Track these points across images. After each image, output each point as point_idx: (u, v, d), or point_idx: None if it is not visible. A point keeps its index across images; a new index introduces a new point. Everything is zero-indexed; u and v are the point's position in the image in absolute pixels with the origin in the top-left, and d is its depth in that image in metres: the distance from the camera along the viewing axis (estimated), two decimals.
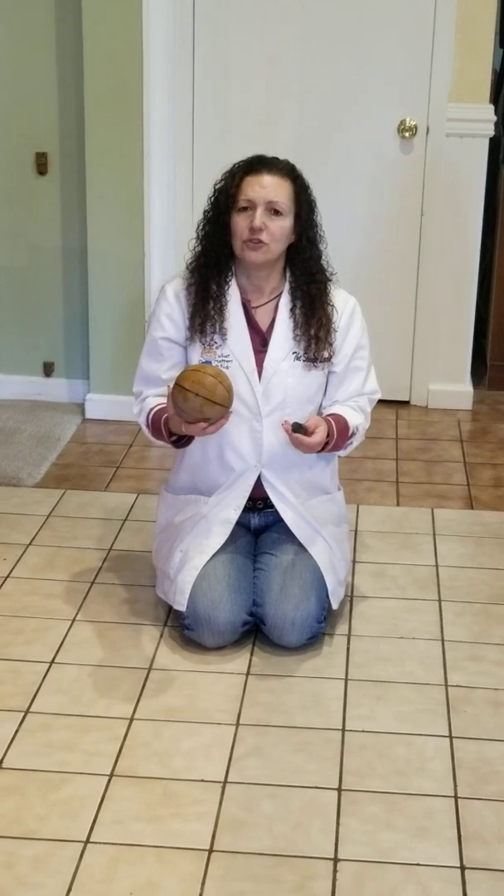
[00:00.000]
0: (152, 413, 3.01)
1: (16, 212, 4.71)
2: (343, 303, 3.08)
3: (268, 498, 3.09)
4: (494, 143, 4.73)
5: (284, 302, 3.04)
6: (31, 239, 4.73)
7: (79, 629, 3.09)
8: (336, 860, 2.29)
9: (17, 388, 4.86)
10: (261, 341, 3.05)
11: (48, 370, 4.87)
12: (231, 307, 3.02)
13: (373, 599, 3.28)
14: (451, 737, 2.67)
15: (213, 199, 3.00)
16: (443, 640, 3.08)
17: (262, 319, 3.06)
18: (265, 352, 3.03)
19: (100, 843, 2.32)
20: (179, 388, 2.74)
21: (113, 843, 2.32)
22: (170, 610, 3.14)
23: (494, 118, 4.62)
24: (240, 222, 2.93)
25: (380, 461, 4.29)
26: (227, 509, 3.06)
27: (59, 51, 4.50)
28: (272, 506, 3.09)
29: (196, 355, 3.03)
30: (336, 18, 4.57)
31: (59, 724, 2.69)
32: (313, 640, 3.01)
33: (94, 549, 3.55)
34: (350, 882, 2.23)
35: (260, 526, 3.17)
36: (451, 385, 4.89)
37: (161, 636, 3.06)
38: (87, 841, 2.32)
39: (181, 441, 2.98)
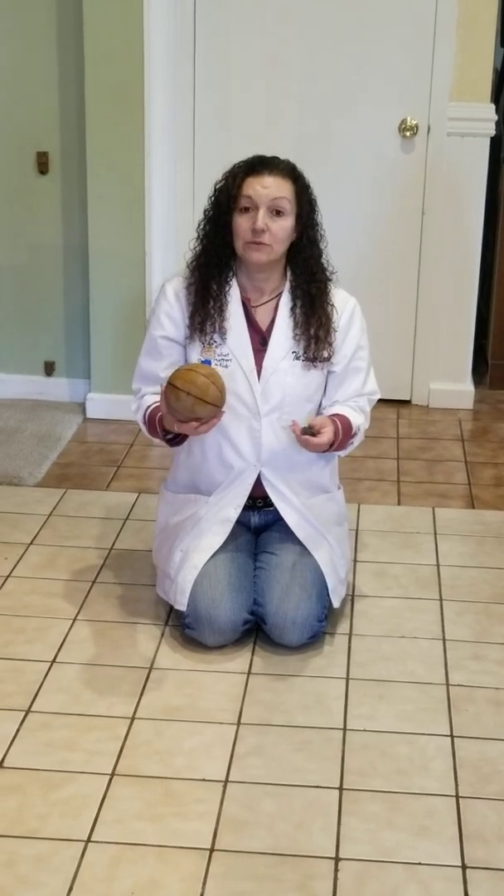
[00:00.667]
0: (148, 410, 3.02)
1: (16, 211, 4.71)
2: (343, 303, 3.08)
3: (268, 496, 3.09)
4: (495, 143, 4.73)
5: (285, 301, 3.04)
6: (31, 238, 4.73)
7: (80, 628, 3.09)
8: (337, 859, 2.28)
9: (18, 387, 4.86)
10: (260, 340, 3.05)
11: (49, 369, 4.87)
12: (231, 306, 3.02)
13: (374, 598, 3.28)
14: (452, 736, 2.67)
15: (213, 199, 3.00)
16: (444, 640, 3.08)
17: (262, 318, 3.06)
18: (265, 351, 3.03)
19: (101, 842, 2.32)
20: (172, 388, 2.74)
21: (114, 843, 2.32)
22: (171, 609, 3.14)
23: (495, 117, 4.62)
24: (242, 223, 2.93)
25: (381, 460, 4.29)
26: (227, 508, 3.06)
27: (59, 50, 4.50)
28: (272, 504, 3.09)
29: (195, 354, 3.03)
30: (337, 18, 4.56)
31: (61, 723, 2.69)
32: (314, 639, 3.01)
33: (95, 549, 3.55)
34: (351, 881, 2.23)
35: (260, 525, 3.17)
36: (452, 384, 4.89)
37: (162, 635, 3.06)
38: (89, 840, 2.32)
39: (176, 439, 2.98)
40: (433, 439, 4.56)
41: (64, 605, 3.21)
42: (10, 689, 2.81)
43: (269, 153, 3.02)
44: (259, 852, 2.30)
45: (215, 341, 3.01)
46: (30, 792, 2.46)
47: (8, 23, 4.51)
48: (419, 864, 2.28)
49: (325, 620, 3.04)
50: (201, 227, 3.03)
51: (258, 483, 3.08)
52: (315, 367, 3.04)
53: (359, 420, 3.07)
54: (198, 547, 3.03)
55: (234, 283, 3.03)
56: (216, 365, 3.00)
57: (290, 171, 2.96)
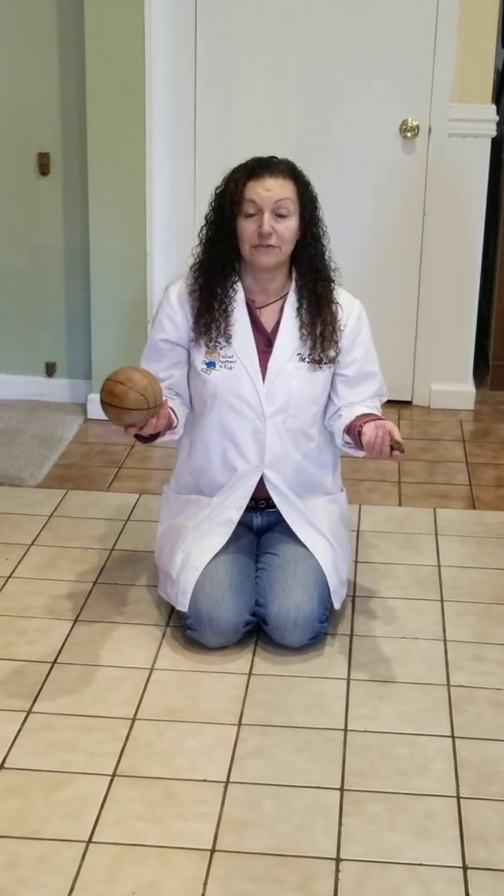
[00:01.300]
0: None
1: (18, 212, 4.71)
2: (349, 303, 3.08)
3: (270, 498, 3.09)
4: (496, 144, 4.73)
5: (291, 302, 3.04)
6: (33, 239, 4.73)
7: (81, 629, 3.10)
8: (338, 860, 2.29)
9: (20, 388, 4.87)
10: (265, 342, 3.05)
11: (50, 370, 4.87)
12: (236, 308, 3.02)
13: (375, 599, 3.28)
14: (453, 737, 2.67)
15: (214, 204, 2.99)
16: (445, 640, 3.08)
17: (268, 320, 3.06)
18: (270, 352, 3.04)
19: (102, 843, 2.32)
20: (100, 400, 2.75)
21: (115, 843, 2.32)
22: (172, 610, 3.14)
23: (497, 118, 4.62)
24: (247, 227, 2.92)
25: (382, 461, 4.28)
26: (230, 510, 3.06)
27: (61, 51, 4.51)
28: (274, 505, 3.09)
29: (200, 356, 3.03)
30: (338, 19, 4.57)
31: (62, 724, 2.69)
32: (315, 640, 3.01)
33: (96, 550, 3.55)
34: (352, 882, 2.23)
35: (262, 525, 3.17)
36: (453, 385, 4.89)
37: (163, 636, 3.07)
38: (90, 841, 2.32)
39: (149, 437, 2.95)
40: (434, 440, 4.56)
41: (65, 606, 3.21)
42: (11, 690, 2.81)
43: (270, 154, 3.01)
44: (260, 853, 2.30)
45: (220, 344, 3.01)
46: (31, 793, 2.46)
47: (9, 24, 4.51)
48: (420, 864, 2.28)
49: (326, 621, 3.04)
50: (203, 232, 3.02)
51: (261, 484, 3.08)
52: (321, 368, 3.04)
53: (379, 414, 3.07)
54: (199, 548, 3.03)
55: (238, 285, 3.03)
56: (220, 367, 3.00)
57: (290, 171, 2.96)
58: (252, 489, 3.07)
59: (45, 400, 4.85)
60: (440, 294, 4.78)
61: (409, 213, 4.72)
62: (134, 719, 2.71)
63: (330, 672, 2.92)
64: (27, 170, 4.66)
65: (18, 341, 4.86)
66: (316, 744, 2.64)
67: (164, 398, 2.81)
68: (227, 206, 2.93)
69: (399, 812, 2.42)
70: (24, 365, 4.88)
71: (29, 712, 2.73)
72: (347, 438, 3.01)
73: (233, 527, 3.06)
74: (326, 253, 3.03)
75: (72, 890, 2.20)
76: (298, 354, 3.03)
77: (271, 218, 2.90)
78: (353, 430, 2.95)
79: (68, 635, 3.07)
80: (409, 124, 4.61)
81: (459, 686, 2.87)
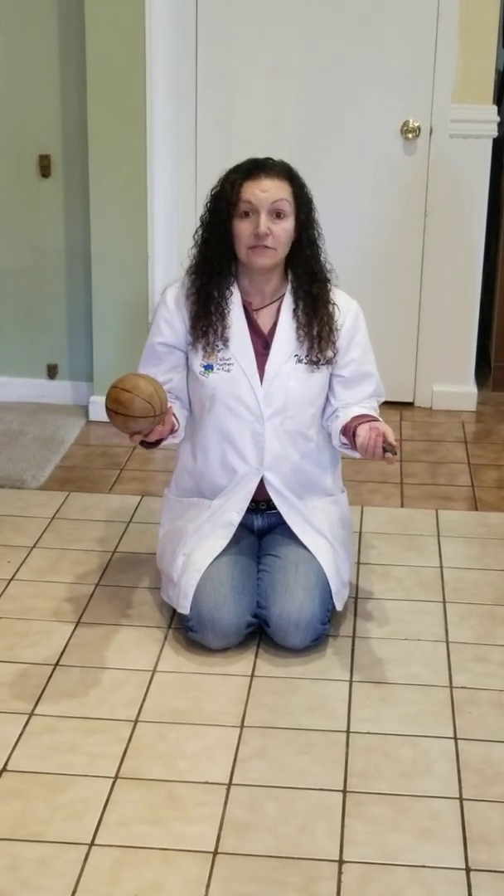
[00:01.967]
0: None
1: (19, 214, 4.71)
2: (346, 304, 3.08)
3: (270, 499, 3.09)
4: (498, 144, 4.73)
5: (287, 303, 3.04)
6: (34, 241, 4.73)
7: (83, 631, 3.09)
8: (341, 862, 2.28)
9: (21, 390, 4.87)
10: (263, 344, 3.04)
11: (52, 372, 4.87)
12: (233, 311, 3.02)
13: (377, 601, 3.28)
14: (455, 738, 2.67)
15: (210, 205, 2.99)
16: (447, 642, 3.07)
17: (264, 322, 3.06)
18: (267, 354, 3.03)
19: (104, 845, 2.32)
20: (105, 407, 2.74)
21: (117, 846, 2.31)
22: (174, 612, 3.14)
23: (498, 119, 4.62)
24: (243, 228, 2.92)
25: (384, 462, 4.27)
26: (230, 512, 3.06)
27: (61, 53, 4.51)
28: (275, 507, 3.09)
29: (198, 360, 3.03)
30: (339, 20, 4.56)
31: (64, 726, 2.69)
32: (317, 641, 3.01)
33: (98, 552, 3.55)
34: (355, 884, 2.23)
35: (263, 527, 3.17)
36: (455, 386, 4.89)
37: (165, 638, 3.06)
38: (92, 843, 2.32)
39: (154, 442, 2.94)
40: (436, 441, 4.55)
41: (67, 609, 3.21)
42: (13, 693, 2.81)
43: (271, 155, 3.02)
44: (262, 855, 2.30)
45: (217, 346, 3.01)
46: (33, 795, 2.46)
47: (10, 25, 4.51)
48: (423, 866, 2.27)
49: (328, 623, 3.03)
50: (199, 234, 3.02)
51: (261, 486, 3.07)
52: (318, 369, 3.04)
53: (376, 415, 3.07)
54: (200, 550, 3.03)
55: (234, 288, 3.02)
56: (218, 370, 3.00)
57: (286, 172, 2.96)
58: (252, 492, 3.07)
59: (47, 402, 4.85)
60: (442, 295, 4.78)
61: (411, 213, 4.71)
62: (136, 721, 2.71)
63: (332, 674, 2.92)
64: (28, 172, 4.66)
65: (20, 343, 4.86)
66: (318, 745, 2.63)
67: (168, 405, 2.81)
68: (223, 206, 2.93)
69: (402, 814, 2.42)
70: (26, 367, 4.88)
71: (31, 715, 2.73)
72: (344, 439, 3.01)
73: (233, 529, 3.05)
74: (322, 255, 3.03)
75: (74, 892, 2.20)
76: (296, 356, 3.03)
77: (267, 219, 2.90)
78: (349, 432, 2.95)
79: (70, 637, 3.06)
80: (411, 125, 4.61)
81: (462, 688, 2.87)
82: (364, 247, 4.72)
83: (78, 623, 3.13)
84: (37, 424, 4.58)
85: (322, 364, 3.04)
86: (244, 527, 3.12)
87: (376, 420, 2.96)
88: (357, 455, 2.98)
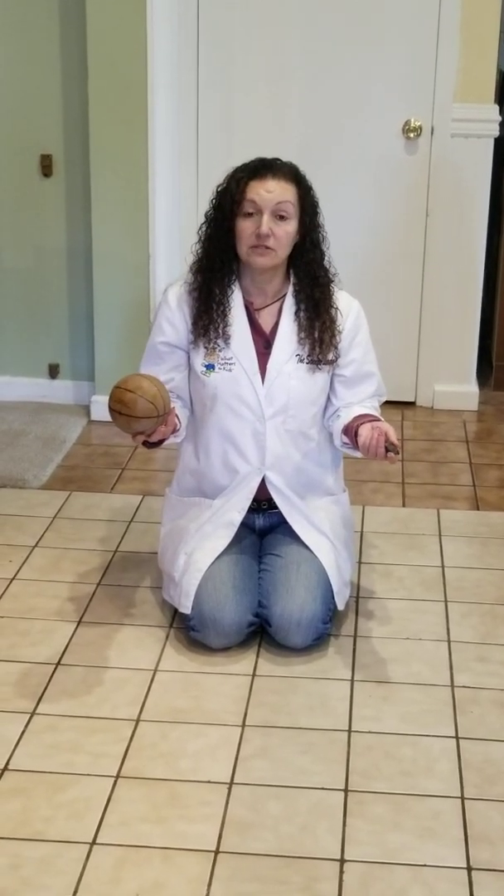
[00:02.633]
0: None
1: (21, 214, 4.72)
2: (347, 306, 3.07)
3: (272, 499, 3.09)
4: (499, 144, 4.73)
5: (288, 304, 3.04)
6: (36, 241, 4.74)
7: (84, 631, 3.09)
8: (342, 861, 2.28)
9: (23, 390, 4.87)
10: (264, 343, 3.04)
11: (53, 372, 4.87)
12: (234, 310, 3.02)
13: (379, 600, 3.28)
14: (457, 737, 2.67)
15: (215, 202, 2.99)
16: (449, 641, 3.08)
17: (266, 321, 3.06)
18: (269, 354, 3.03)
19: (106, 844, 2.32)
20: (108, 407, 2.74)
21: (119, 845, 2.32)
22: (175, 611, 3.14)
23: (499, 118, 4.62)
24: (245, 228, 2.92)
25: (385, 462, 4.28)
26: (231, 512, 3.06)
27: (63, 53, 4.51)
28: (276, 506, 3.09)
29: (199, 358, 3.03)
30: (340, 19, 4.56)
31: (66, 725, 2.69)
32: (319, 640, 3.01)
33: (99, 551, 3.55)
34: (356, 883, 2.23)
35: (265, 527, 3.17)
36: (456, 386, 4.89)
37: (167, 637, 3.06)
38: (94, 842, 2.32)
39: (156, 442, 2.95)
40: (438, 441, 4.55)
41: (68, 608, 3.21)
42: (15, 692, 2.81)
43: (273, 155, 3.02)
44: (264, 854, 2.30)
45: (219, 345, 3.01)
46: (34, 794, 2.46)
47: (11, 25, 4.51)
48: (424, 865, 2.28)
49: (329, 622, 3.03)
50: (203, 230, 3.02)
51: (262, 486, 3.08)
52: (320, 369, 3.04)
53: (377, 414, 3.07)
54: (202, 550, 3.03)
55: (236, 286, 3.02)
56: (220, 369, 3.00)
57: (292, 175, 2.95)
58: (254, 491, 3.07)
59: (49, 402, 4.85)
60: (443, 294, 4.78)
61: (412, 213, 4.71)
62: (138, 721, 2.71)
63: (333, 673, 2.92)
64: (30, 172, 4.66)
65: (22, 343, 4.86)
66: (320, 745, 2.63)
67: (171, 405, 2.81)
68: (227, 204, 2.93)
69: (403, 813, 2.42)
70: (28, 367, 4.88)
71: (33, 714, 2.73)
72: (345, 439, 3.01)
73: (235, 529, 3.05)
74: (326, 258, 3.03)
75: (75, 891, 2.20)
76: (297, 355, 3.03)
77: (270, 219, 2.90)
78: (350, 432, 2.95)
79: (72, 637, 3.06)
80: (412, 125, 4.61)
81: (463, 687, 2.87)
82: (365, 246, 4.72)
83: (79, 622, 3.14)
84: (38, 424, 4.58)
85: (323, 364, 3.04)
86: (246, 526, 3.12)
87: (378, 419, 2.96)
88: (359, 454, 2.98)
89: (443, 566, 3.49)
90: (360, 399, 3.09)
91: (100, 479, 4.13)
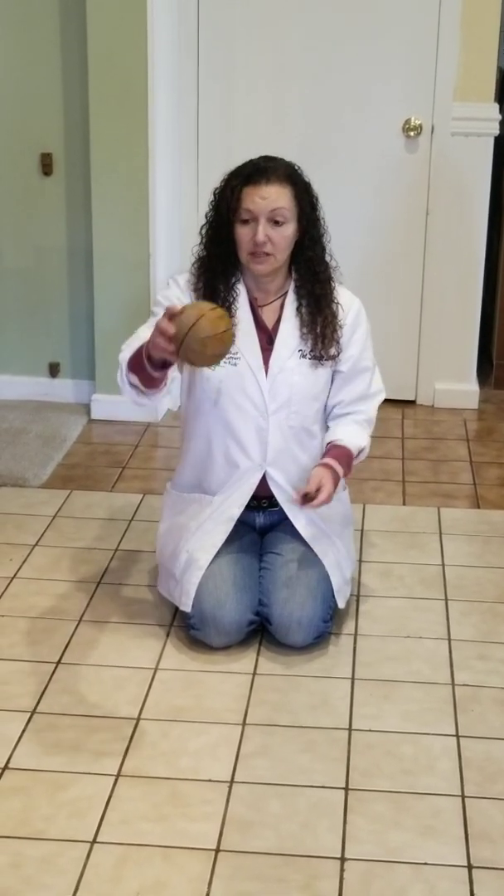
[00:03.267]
0: (132, 356, 2.98)
1: (21, 213, 4.71)
2: (348, 302, 3.08)
3: (272, 497, 3.09)
4: (500, 142, 4.73)
5: (290, 300, 3.04)
6: (36, 240, 4.74)
7: (85, 629, 3.10)
8: (343, 859, 2.28)
9: (23, 388, 4.87)
10: (267, 339, 3.05)
11: (54, 371, 4.87)
12: (238, 306, 3.02)
13: (379, 599, 3.28)
14: (458, 736, 2.67)
15: (214, 205, 2.99)
16: (449, 639, 3.08)
17: (269, 317, 3.06)
18: (271, 349, 3.04)
19: (107, 843, 2.32)
20: (214, 355, 2.62)
21: (120, 843, 2.32)
22: (176, 610, 3.14)
23: (500, 117, 4.62)
24: (244, 234, 2.92)
25: (386, 460, 4.29)
26: (231, 508, 3.06)
27: (63, 51, 4.51)
28: (277, 504, 3.09)
29: None
30: (340, 18, 4.56)
31: (66, 724, 2.69)
32: (319, 639, 3.01)
33: (100, 550, 3.55)
34: (357, 881, 2.23)
35: (265, 525, 3.17)
36: (456, 384, 4.89)
37: (167, 636, 3.07)
38: (94, 841, 2.32)
39: (151, 384, 2.90)
40: (438, 439, 4.56)
41: (69, 607, 3.21)
42: (15, 691, 2.81)
43: (273, 153, 3.01)
44: (265, 853, 2.30)
45: None
46: (35, 793, 2.46)
47: (12, 25, 4.51)
48: (425, 864, 2.28)
49: (330, 621, 3.03)
50: (204, 231, 3.02)
51: (264, 483, 3.08)
52: (322, 364, 3.05)
53: (361, 441, 3.07)
54: (202, 547, 3.03)
55: (240, 283, 3.02)
56: (225, 363, 3.00)
57: (287, 176, 2.94)
58: (254, 487, 3.07)
59: (49, 400, 4.85)
60: (443, 293, 4.78)
61: (412, 212, 4.71)
62: (138, 719, 2.71)
63: (334, 671, 2.92)
64: (30, 170, 4.66)
65: (22, 342, 4.86)
66: (320, 743, 2.64)
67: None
68: (224, 210, 2.93)
69: (404, 811, 2.42)
70: (28, 365, 4.88)
71: (33, 712, 2.73)
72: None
73: (233, 523, 3.05)
74: (326, 254, 3.03)
75: (76, 890, 2.20)
76: (300, 351, 3.03)
77: (266, 226, 2.89)
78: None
79: (72, 635, 3.07)
80: (412, 123, 4.61)
81: (464, 685, 2.87)
82: (365, 245, 4.72)
83: (80, 621, 3.14)
84: (39, 423, 4.58)
85: (325, 360, 3.04)
86: (246, 524, 3.12)
87: (336, 458, 2.98)
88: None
89: (443, 564, 3.49)
90: (352, 397, 3.09)
91: (100, 478, 4.13)
